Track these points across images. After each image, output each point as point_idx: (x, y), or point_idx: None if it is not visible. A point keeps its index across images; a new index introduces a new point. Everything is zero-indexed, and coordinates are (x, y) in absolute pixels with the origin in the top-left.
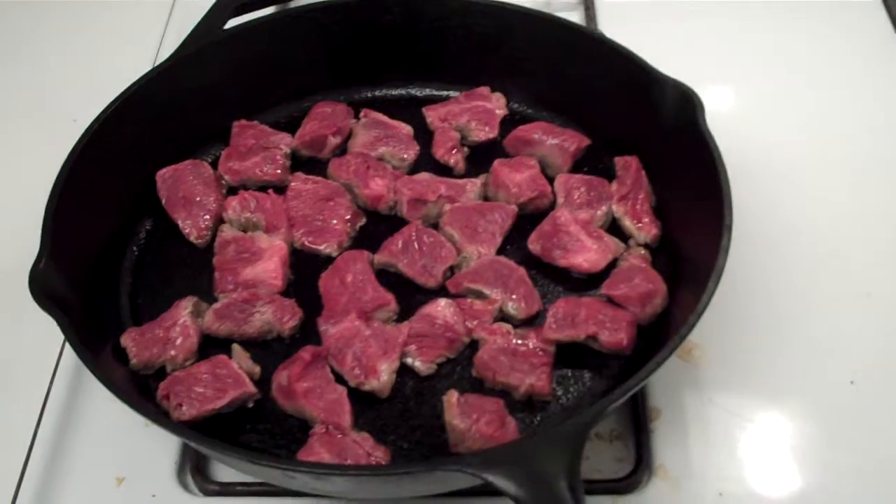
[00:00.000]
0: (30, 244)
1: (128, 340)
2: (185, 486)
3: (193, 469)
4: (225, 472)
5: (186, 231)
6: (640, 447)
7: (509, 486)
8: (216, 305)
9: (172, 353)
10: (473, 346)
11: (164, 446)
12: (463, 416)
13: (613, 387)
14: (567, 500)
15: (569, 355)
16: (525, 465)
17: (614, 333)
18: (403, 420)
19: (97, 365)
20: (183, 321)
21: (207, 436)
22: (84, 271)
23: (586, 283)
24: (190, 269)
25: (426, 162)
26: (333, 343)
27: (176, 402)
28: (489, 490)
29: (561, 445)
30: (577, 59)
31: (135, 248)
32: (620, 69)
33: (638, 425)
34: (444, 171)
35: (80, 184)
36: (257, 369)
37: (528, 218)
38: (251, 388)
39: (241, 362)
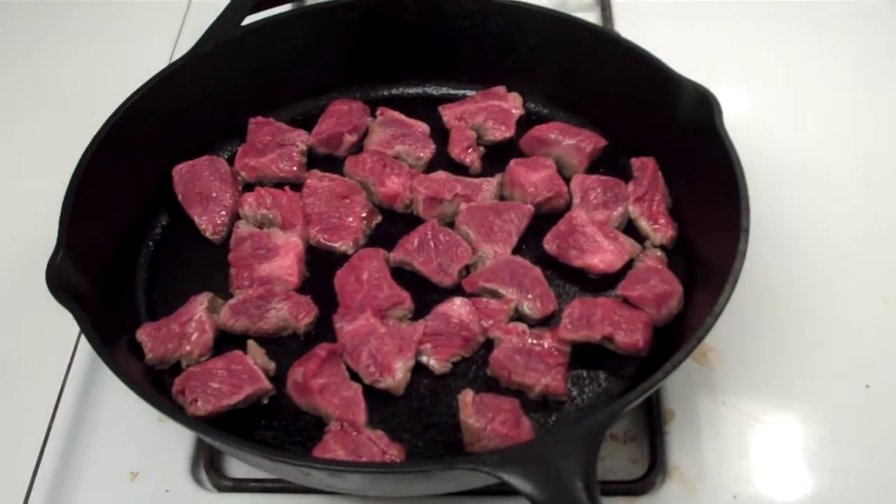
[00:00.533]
0: (47, 239)
1: (143, 335)
2: (198, 482)
3: (207, 465)
4: (239, 468)
5: (202, 227)
6: (654, 449)
7: (525, 486)
8: (232, 301)
9: (188, 348)
10: (488, 345)
11: (177, 442)
12: (478, 415)
13: (629, 388)
14: (583, 501)
15: (584, 356)
16: (541, 464)
17: (630, 334)
18: (418, 418)
19: (113, 359)
20: (199, 317)
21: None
22: (100, 266)
23: (602, 283)
24: (205, 264)
25: (442, 161)
26: (349, 340)
27: (191, 397)
28: (504, 489)
29: (577, 445)
30: (593, 60)
31: (151, 244)
32: (637, 70)
33: (652, 427)
34: (459, 170)
35: (96, 178)
36: (272, 366)
37: (544, 218)
38: (266, 384)
39: (256, 358)
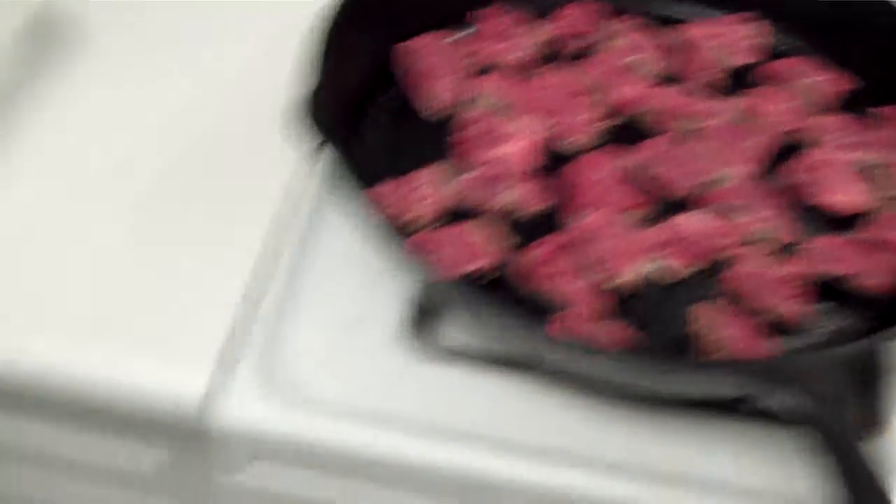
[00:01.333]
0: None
1: (374, 196)
2: (408, 348)
3: (421, 329)
4: (447, 338)
5: (427, 105)
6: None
7: (797, 402)
8: (462, 177)
9: (417, 214)
10: (723, 263)
11: (389, 305)
12: (714, 328)
13: (870, 329)
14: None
15: (824, 291)
16: (808, 382)
17: (879, 275)
18: (646, 324)
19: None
20: (428, 187)
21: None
22: (339, 118)
23: (843, 222)
24: (432, 142)
25: (677, 80)
26: (579, 235)
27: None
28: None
29: (838, 371)
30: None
31: (378, 113)
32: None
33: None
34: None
35: (338, 36)
36: (501, 245)
37: (784, 150)
38: (496, 260)
39: (484, 236)
